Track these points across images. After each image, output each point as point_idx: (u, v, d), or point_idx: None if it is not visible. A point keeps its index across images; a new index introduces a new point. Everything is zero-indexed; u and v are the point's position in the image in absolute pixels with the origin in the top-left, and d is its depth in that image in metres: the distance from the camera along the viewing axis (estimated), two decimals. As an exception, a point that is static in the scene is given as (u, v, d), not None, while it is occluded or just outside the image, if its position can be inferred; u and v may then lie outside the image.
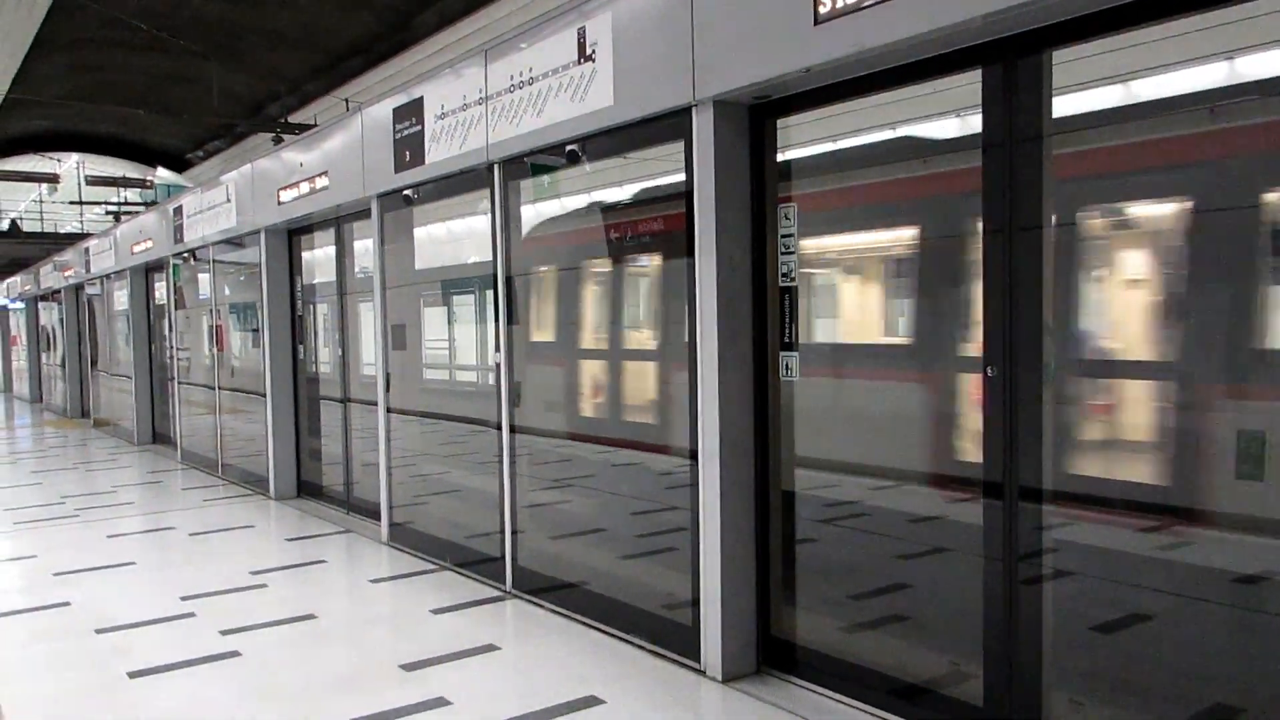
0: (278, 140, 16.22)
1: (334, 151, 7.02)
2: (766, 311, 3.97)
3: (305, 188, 7.47)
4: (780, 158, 3.91)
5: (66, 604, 5.33)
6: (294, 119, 19.27)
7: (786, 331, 3.91)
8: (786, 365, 3.92)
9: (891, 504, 3.74)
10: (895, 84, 3.42)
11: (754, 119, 3.93)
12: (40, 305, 20.46)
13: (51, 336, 19.26)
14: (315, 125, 12.94)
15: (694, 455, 4.07)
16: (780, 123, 3.88)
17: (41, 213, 33.34)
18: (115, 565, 6.24)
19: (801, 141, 3.88)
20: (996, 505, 3.17)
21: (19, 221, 28.73)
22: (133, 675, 4.22)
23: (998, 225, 3.12)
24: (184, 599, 5.35)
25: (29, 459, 12.15)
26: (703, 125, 3.89)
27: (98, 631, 4.84)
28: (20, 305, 21.80)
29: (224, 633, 4.75)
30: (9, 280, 23.05)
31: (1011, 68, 3.04)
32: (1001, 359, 3.12)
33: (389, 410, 6.61)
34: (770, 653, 4.04)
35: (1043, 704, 3.09)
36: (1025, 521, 3.10)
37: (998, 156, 3.10)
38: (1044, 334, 3.04)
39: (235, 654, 4.46)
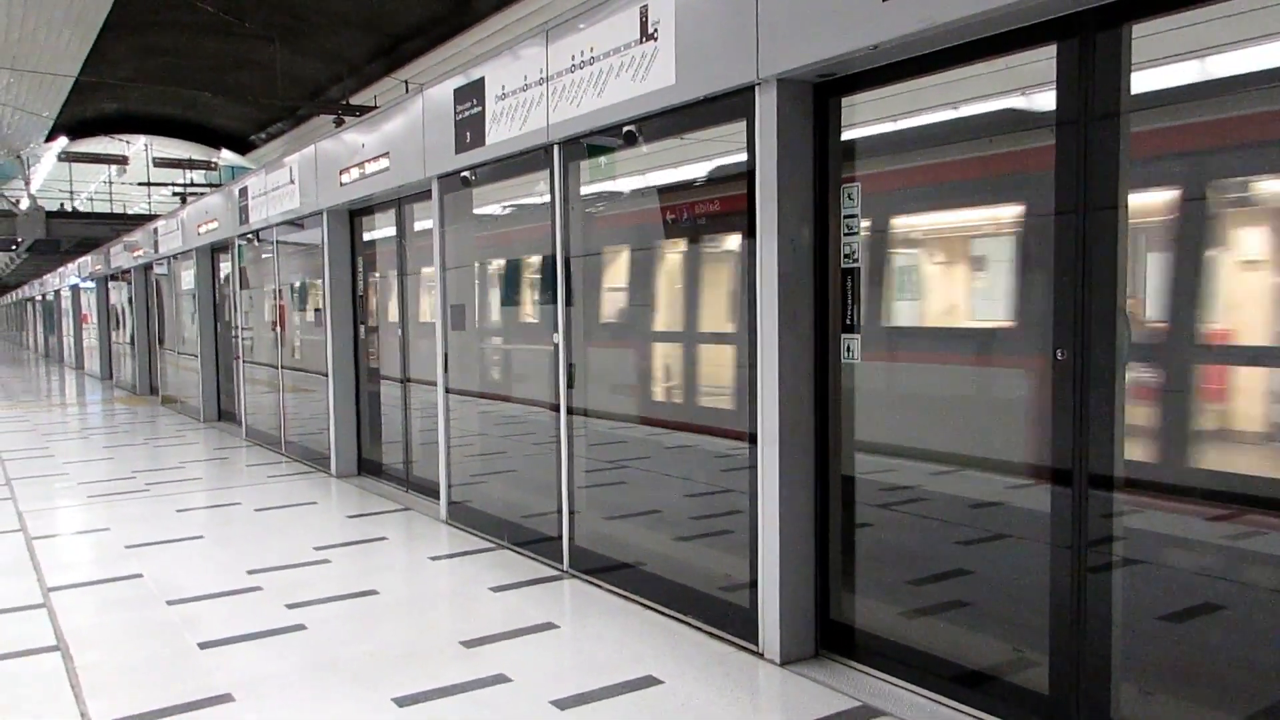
0: (339, 122, 16.41)
1: (395, 133, 7.08)
2: (828, 293, 3.93)
3: (366, 169, 7.55)
4: (844, 136, 3.85)
5: (139, 575, 5.49)
6: (354, 101, 19.47)
7: (848, 313, 3.86)
8: (848, 348, 3.88)
9: (953, 489, 3.69)
10: (965, 61, 3.34)
11: (818, 97, 3.87)
12: (110, 284, 21.00)
13: (121, 315, 19.76)
14: (376, 107, 13.07)
15: (753, 439, 4.05)
16: (845, 101, 3.82)
17: (111, 194, 34.23)
18: (184, 539, 6.40)
19: (867, 120, 3.82)
20: (1065, 492, 3.11)
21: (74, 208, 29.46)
22: (203, 646, 4.33)
23: (1070, 205, 3.04)
24: (250, 573, 5.47)
25: (100, 434, 12.50)
26: (766, 104, 3.85)
27: (169, 603, 4.97)
28: (91, 284, 22.39)
29: (289, 606, 4.85)
30: (80, 260, 23.69)
31: (1088, 43, 2.95)
32: (1072, 342, 3.05)
33: (448, 390, 6.67)
34: (829, 636, 4.01)
35: (1111, 692, 3.03)
36: (1095, 509, 3.04)
37: (1072, 134, 3.02)
38: (1118, 316, 2.96)
39: (301, 627, 4.56)
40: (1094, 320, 3.00)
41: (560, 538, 5.39)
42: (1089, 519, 3.05)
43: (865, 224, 3.79)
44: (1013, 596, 3.45)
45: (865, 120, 3.81)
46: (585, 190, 5.24)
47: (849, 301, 3.85)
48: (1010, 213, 3.50)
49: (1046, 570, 3.19)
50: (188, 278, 13.87)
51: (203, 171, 30.29)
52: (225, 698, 3.76)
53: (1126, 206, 2.94)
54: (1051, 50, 3.06)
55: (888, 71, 3.60)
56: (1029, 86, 3.23)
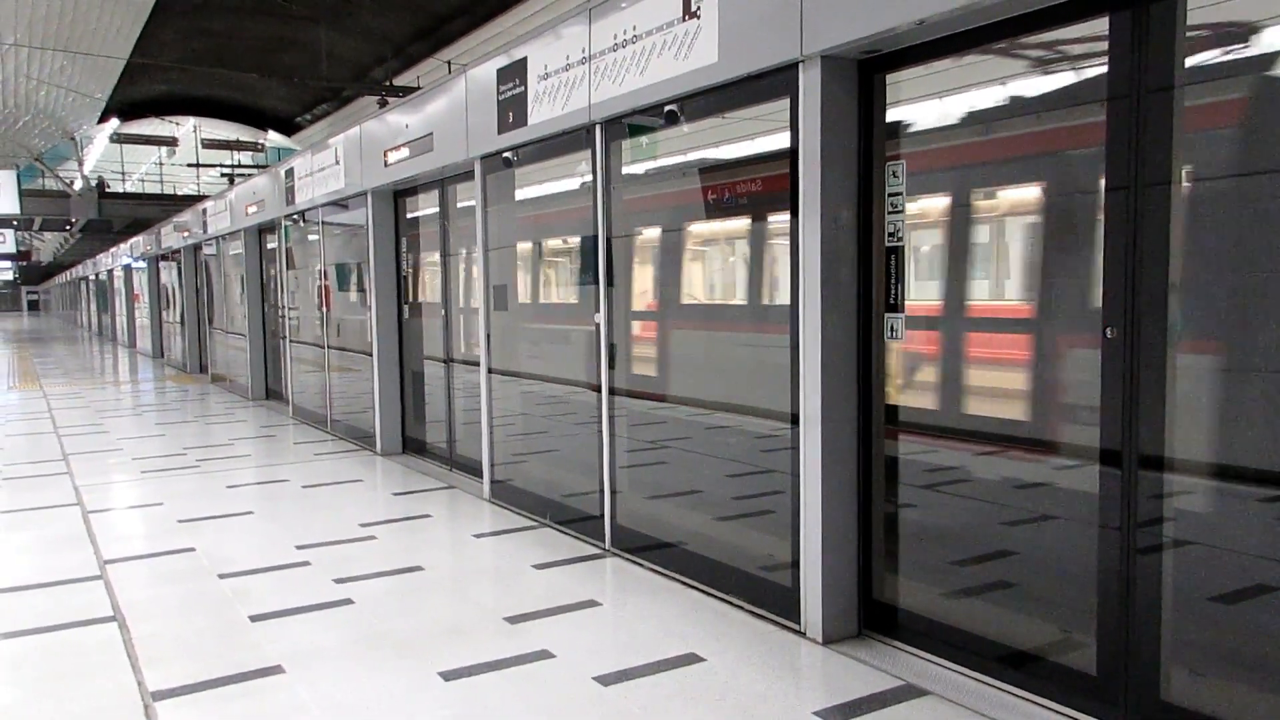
0: (383, 103, 16.52)
1: (438, 113, 7.11)
2: (871, 272, 3.90)
3: (410, 150, 7.59)
4: (889, 114, 3.80)
5: (191, 549, 5.61)
6: (398, 82, 19.60)
7: (892, 293, 3.83)
8: (891, 327, 3.85)
9: (997, 470, 3.65)
10: (1013, 35, 3.29)
11: (862, 74, 3.83)
12: (161, 265, 21.37)
13: (171, 295, 20.11)
14: (419, 88, 13.12)
15: (795, 419, 4.04)
16: (890, 78, 3.78)
17: (161, 175, 34.82)
18: (234, 514, 6.54)
19: (912, 97, 3.77)
20: (1113, 473, 3.07)
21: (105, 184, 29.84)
22: (254, 618, 4.43)
23: (1122, 181, 2.99)
24: (299, 548, 5.58)
25: (153, 412, 12.76)
26: (810, 82, 3.81)
27: (220, 576, 5.09)
28: (142, 264, 22.80)
29: (337, 581, 4.94)
30: (132, 240, 24.12)
31: (1142, 14, 2.88)
32: (1122, 320, 3.01)
33: (490, 370, 6.72)
34: (872, 616, 4.01)
35: (1160, 673, 2.99)
36: (1144, 490, 3.00)
37: (1124, 109, 2.96)
38: (1169, 294, 2.91)
39: (348, 601, 4.64)
40: (1145, 298, 2.95)
41: (602, 517, 5.42)
42: (1138, 499, 3.01)
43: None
44: (1059, 577, 3.42)
45: (912, 97, 3.77)
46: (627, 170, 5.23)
47: (892, 281, 3.81)
48: (1056, 189, 3.44)
49: (1094, 551, 3.16)
50: (235, 258, 14.07)
51: (250, 153, 30.71)
52: (276, 669, 3.84)
53: (1181, 182, 2.88)
54: (1103, 23, 3.00)
55: (934, 47, 3.55)
56: (1078, 59, 3.17)
